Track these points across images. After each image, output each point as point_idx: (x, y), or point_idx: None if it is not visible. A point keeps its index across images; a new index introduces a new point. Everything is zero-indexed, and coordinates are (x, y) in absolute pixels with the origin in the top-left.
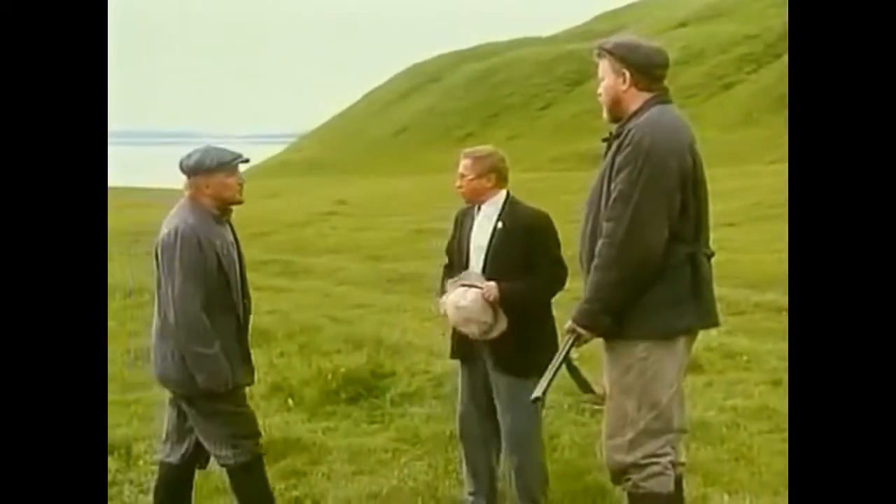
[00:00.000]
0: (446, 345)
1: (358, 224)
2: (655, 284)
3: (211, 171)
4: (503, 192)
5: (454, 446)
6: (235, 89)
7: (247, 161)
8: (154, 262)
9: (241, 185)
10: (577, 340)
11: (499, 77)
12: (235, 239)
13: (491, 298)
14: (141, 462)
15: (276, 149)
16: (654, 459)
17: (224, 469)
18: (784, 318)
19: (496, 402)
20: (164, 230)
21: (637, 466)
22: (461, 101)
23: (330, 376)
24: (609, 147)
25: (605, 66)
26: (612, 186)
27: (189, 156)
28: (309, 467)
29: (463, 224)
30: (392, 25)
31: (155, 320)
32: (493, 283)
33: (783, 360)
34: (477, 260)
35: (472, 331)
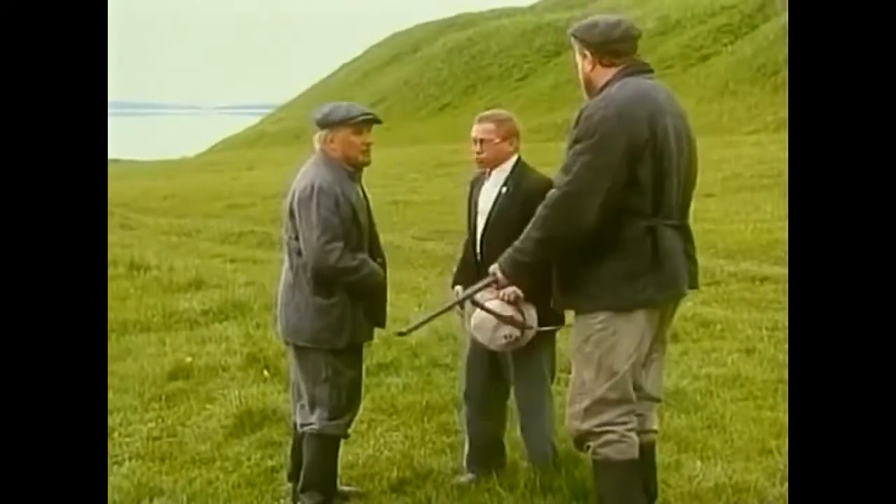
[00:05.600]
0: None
1: None
2: (612, 258)
3: (336, 125)
4: (515, 158)
5: (430, 416)
6: (208, 59)
7: (378, 122)
8: (288, 217)
9: (367, 145)
10: (496, 284)
11: (478, 48)
12: (366, 198)
13: (513, 298)
14: (116, 434)
15: (252, 120)
16: (610, 428)
17: (304, 434)
18: (758, 288)
19: (509, 369)
20: (301, 185)
21: (593, 434)
22: (440, 71)
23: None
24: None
25: (575, 49)
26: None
27: (320, 108)
28: (285, 437)
29: (474, 190)
30: None
31: (285, 274)
32: (510, 289)
33: (757, 329)
34: (480, 224)
35: (511, 342)
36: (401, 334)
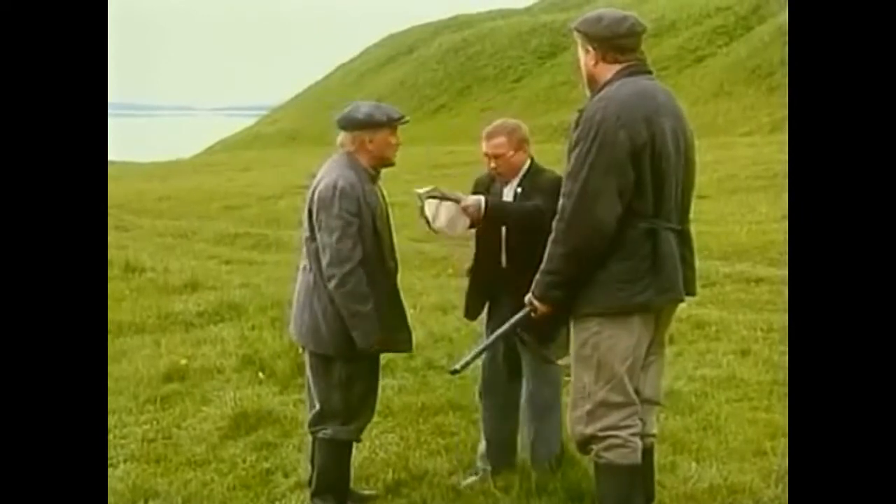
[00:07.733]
0: (416, 317)
1: None
2: (611, 260)
3: (379, 126)
4: (528, 162)
5: (425, 418)
6: (203, 61)
7: (407, 122)
8: (306, 217)
9: (398, 145)
10: (534, 312)
11: (473, 49)
12: (385, 199)
13: (471, 212)
14: (111, 436)
15: (247, 121)
16: (614, 432)
17: (316, 441)
18: (753, 289)
19: (523, 368)
20: (323, 184)
21: (596, 438)
22: (435, 72)
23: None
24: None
25: (578, 44)
26: (568, 162)
27: (357, 108)
28: (280, 439)
29: (483, 191)
30: None
31: (303, 275)
32: (474, 198)
33: (752, 331)
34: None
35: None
36: (454, 372)
